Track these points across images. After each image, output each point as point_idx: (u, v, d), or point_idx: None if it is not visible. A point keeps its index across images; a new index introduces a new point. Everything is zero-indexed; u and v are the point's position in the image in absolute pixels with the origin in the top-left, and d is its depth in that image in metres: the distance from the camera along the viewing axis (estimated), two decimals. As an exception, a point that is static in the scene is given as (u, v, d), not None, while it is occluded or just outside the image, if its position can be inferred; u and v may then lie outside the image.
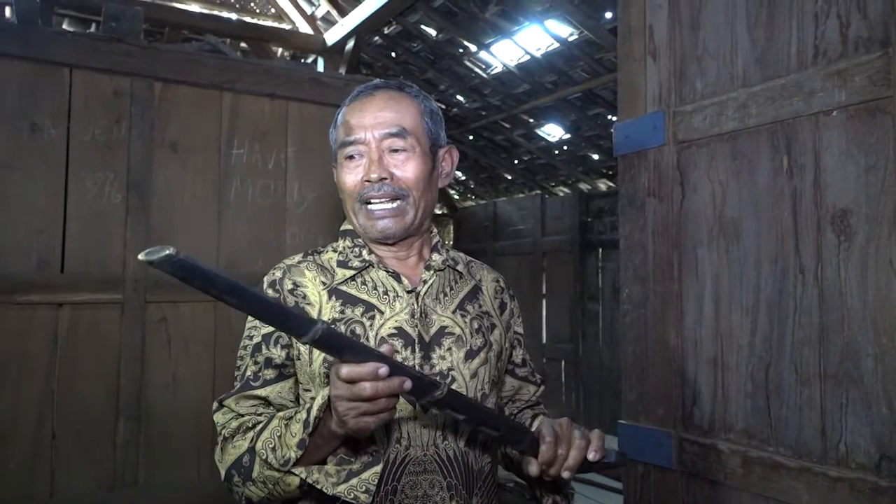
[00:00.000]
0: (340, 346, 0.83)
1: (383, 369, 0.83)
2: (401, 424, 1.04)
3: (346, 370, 0.84)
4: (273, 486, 0.98)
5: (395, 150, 1.09)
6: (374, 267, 1.12)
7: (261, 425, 1.01)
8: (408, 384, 0.85)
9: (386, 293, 1.09)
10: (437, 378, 1.06)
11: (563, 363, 6.60)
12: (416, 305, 1.09)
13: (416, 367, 1.06)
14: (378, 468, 0.96)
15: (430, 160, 1.14)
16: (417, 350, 1.06)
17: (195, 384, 2.79)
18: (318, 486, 0.94)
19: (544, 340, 6.81)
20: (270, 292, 1.09)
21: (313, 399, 0.96)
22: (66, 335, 2.58)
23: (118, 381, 2.66)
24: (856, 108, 1.28)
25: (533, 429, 1.14)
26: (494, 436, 1.02)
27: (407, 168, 1.09)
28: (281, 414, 1.00)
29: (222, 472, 1.03)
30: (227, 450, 1.03)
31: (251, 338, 1.09)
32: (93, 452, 2.60)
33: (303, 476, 0.94)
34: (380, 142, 1.08)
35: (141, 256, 0.69)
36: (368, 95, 1.12)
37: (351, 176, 1.11)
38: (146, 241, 2.74)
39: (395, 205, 1.10)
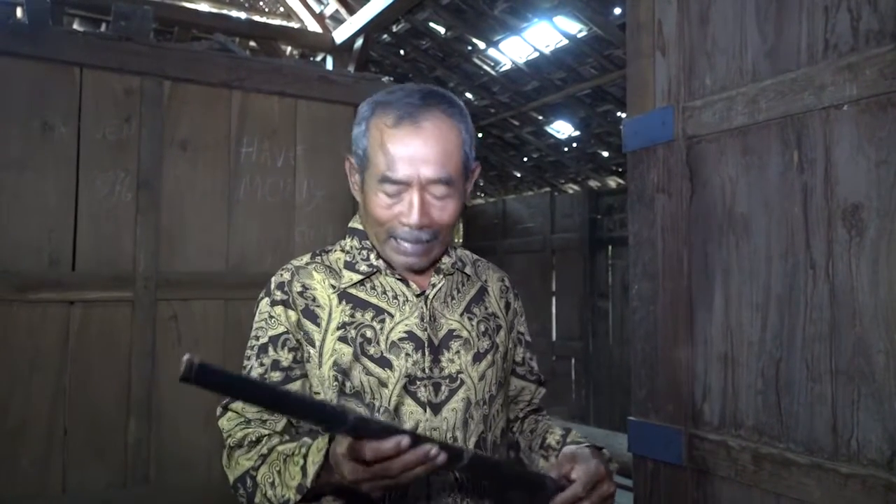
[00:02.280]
0: (372, 431, 0.82)
1: (405, 440, 0.79)
2: (411, 427, 1.03)
3: (370, 450, 0.81)
4: None
5: (438, 196, 1.04)
6: (381, 272, 1.11)
7: (261, 454, 1.01)
8: (437, 453, 0.82)
9: (395, 297, 1.09)
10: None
11: (573, 361, 6.59)
12: (424, 309, 1.09)
13: (426, 371, 1.06)
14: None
15: (464, 187, 1.10)
16: (427, 353, 1.06)
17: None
18: None
19: (554, 338, 6.80)
20: (279, 294, 1.08)
21: (309, 446, 0.95)
22: (78, 333, 2.60)
23: (129, 379, 2.67)
24: (867, 102, 1.26)
25: (546, 442, 1.15)
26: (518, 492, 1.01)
27: (446, 211, 1.05)
28: (280, 448, 0.99)
29: (230, 479, 1.04)
30: (233, 459, 1.03)
31: (258, 338, 1.08)
32: (104, 449, 2.62)
33: None
34: (425, 185, 1.02)
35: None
36: (415, 125, 1.01)
37: (386, 211, 1.03)
38: (156, 239, 2.76)
39: (425, 246, 1.06)
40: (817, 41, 1.36)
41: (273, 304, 1.08)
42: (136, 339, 2.69)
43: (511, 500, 1.08)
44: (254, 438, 1.02)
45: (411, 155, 1.01)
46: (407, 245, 1.05)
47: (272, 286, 1.11)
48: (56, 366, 2.56)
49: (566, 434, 1.19)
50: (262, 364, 1.06)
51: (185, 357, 0.66)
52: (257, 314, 1.11)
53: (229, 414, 1.07)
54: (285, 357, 1.05)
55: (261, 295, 1.12)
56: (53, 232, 2.59)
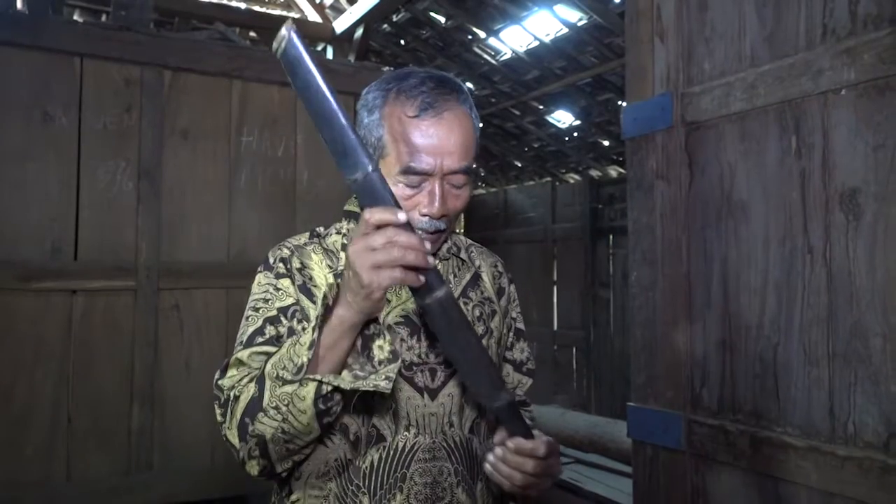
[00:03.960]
0: (378, 195, 0.84)
1: (402, 214, 0.83)
2: (409, 412, 1.04)
3: (379, 212, 0.83)
4: (287, 409, 0.91)
5: (457, 185, 1.05)
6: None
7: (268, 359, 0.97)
8: (426, 245, 0.84)
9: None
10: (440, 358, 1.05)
11: (574, 350, 6.60)
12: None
13: (422, 356, 1.06)
14: (397, 364, 0.91)
15: (474, 179, 1.12)
16: (423, 338, 1.06)
17: (208, 370, 2.81)
18: (335, 384, 0.89)
19: (556, 328, 6.82)
20: (282, 267, 1.07)
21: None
22: (81, 321, 2.61)
23: (132, 367, 2.69)
24: (864, 86, 1.27)
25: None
26: (468, 377, 0.98)
27: (460, 199, 1.06)
28: (290, 340, 0.96)
29: (235, 437, 0.96)
30: (236, 407, 0.97)
31: (258, 310, 1.05)
32: (108, 437, 2.64)
33: (317, 378, 0.89)
34: (445, 175, 1.02)
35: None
36: (437, 116, 1.02)
37: (406, 202, 1.03)
38: (158, 228, 2.77)
39: (441, 235, 1.08)
40: (816, 26, 1.36)
41: (278, 276, 1.07)
42: (139, 328, 2.71)
43: (466, 379, 1.03)
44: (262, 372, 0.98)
45: (434, 145, 1.01)
46: (425, 234, 1.05)
47: (273, 260, 1.09)
48: (59, 354, 2.58)
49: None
50: (276, 329, 1.03)
51: (285, 26, 0.81)
52: (256, 287, 1.08)
53: (231, 371, 1.02)
54: (297, 329, 1.03)
55: (260, 268, 1.10)
56: (55, 221, 2.60)
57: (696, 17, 1.63)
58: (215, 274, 2.87)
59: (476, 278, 1.20)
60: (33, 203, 2.57)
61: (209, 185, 2.90)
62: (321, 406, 0.91)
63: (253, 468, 0.97)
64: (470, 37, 6.91)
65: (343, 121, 0.83)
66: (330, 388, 0.90)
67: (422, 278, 0.85)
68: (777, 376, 1.45)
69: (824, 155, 1.34)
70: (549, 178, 9.05)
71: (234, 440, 0.96)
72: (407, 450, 1.03)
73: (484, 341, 1.13)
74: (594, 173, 8.78)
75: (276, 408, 0.91)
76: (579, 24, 6.04)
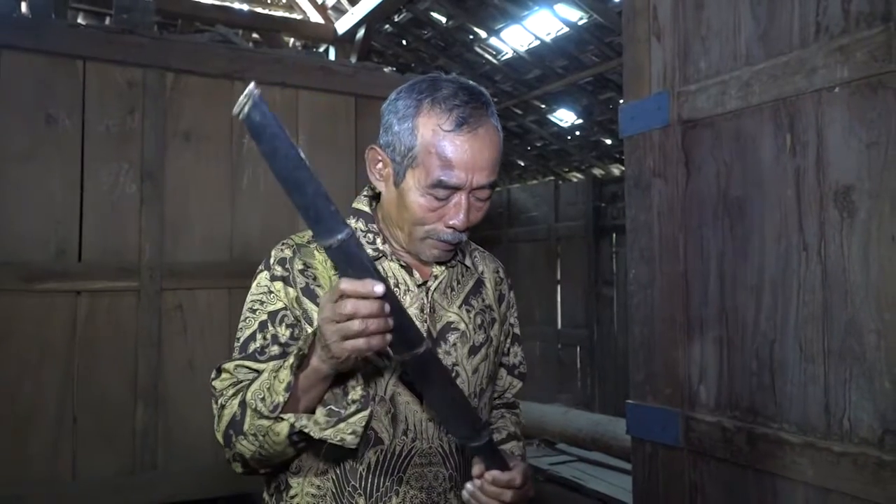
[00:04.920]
0: (353, 261, 0.82)
1: (379, 287, 0.81)
2: (407, 417, 1.05)
3: (346, 283, 0.82)
4: (263, 438, 0.96)
5: (481, 199, 1.06)
6: (386, 258, 1.11)
7: (251, 380, 1.01)
8: (389, 319, 0.84)
9: (397, 285, 1.09)
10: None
11: (578, 348, 6.60)
12: (425, 300, 1.10)
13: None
14: (366, 413, 0.95)
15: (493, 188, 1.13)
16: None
17: (211, 370, 2.84)
18: (306, 431, 0.93)
19: (559, 326, 6.82)
20: (279, 269, 1.08)
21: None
22: (85, 322, 2.64)
23: (136, 368, 2.71)
24: (857, 84, 1.27)
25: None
26: (449, 423, 1.01)
27: (482, 211, 1.08)
28: (270, 366, 0.99)
29: (221, 440, 1.02)
30: (223, 415, 1.02)
31: (254, 311, 1.07)
32: (113, 437, 2.66)
33: (290, 420, 0.93)
34: (473, 189, 1.03)
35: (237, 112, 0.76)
36: (473, 132, 1.01)
37: (432, 214, 1.04)
38: (161, 229, 2.79)
39: (460, 244, 1.10)
40: (809, 24, 1.37)
41: (273, 279, 1.08)
42: (142, 329, 2.73)
43: (446, 425, 1.06)
44: (244, 386, 1.03)
45: (467, 161, 1.01)
46: (446, 245, 1.07)
47: (272, 261, 1.10)
48: (64, 355, 2.60)
49: (507, 441, 1.24)
50: (264, 337, 1.06)
51: (250, 87, 0.75)
52: (255, 286, 1.10)
53: (223, 375, 1.07)
54: (283, 333, 1.05)
55: (260, 267, 1.11)
56: (59, 223, 2.62)
57: (692, 17, 1.64)
58: (218, 274, 2.89)
59: (479, 285, 1.20)
60: (37, 205, 2.59)
61: (211, 187, 2.92)
62: (295, 438, 0.96)
63: (237, 468, 1.05)
64: (471, 36, 6.92)
65: (315, 187, 0.80)
66: (301, 429, 0.94)
67: (389, 339, 0.86)
68: (773, 373, 1.46)
69: (818, 152, 1.35)
70: (552, 177, 9.06)
71: (221, 441, 1.03)
72: (404, 454, 1.04)
73: (483, 350, 1.14)
74: (597, 172, 8.78)
75: (255, 434, 0.97)
76: (580, 23, 6.04)
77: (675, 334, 1.68)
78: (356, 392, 0.96)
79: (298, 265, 1.09)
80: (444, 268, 1.14)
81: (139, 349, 2.72)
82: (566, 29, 6.19)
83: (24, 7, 3.47)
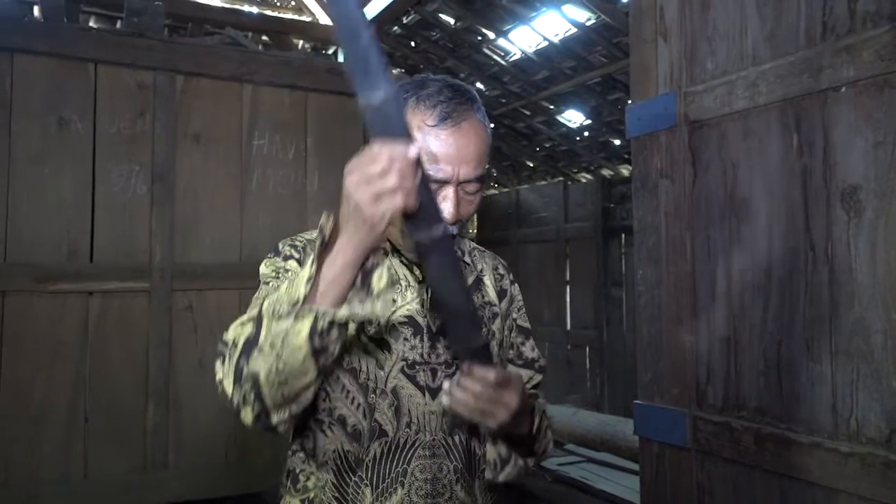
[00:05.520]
0: (392, 124, 0.81)
1: (413, 150, 0.81)
2: (410, 410, 1.06)
3: (381, 144, 0.81)
4: (281, 346, 0.88)
5: (470, 192, 1.06)
6: (388, 254, 1.12)
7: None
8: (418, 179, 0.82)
9: (399, 281, 1.10)
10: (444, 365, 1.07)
11: (587, 349, 6.59)
12: (425, 296, 1.11)
13: (424, 356, 1.08)
14: (394, 289, 0.90)
15: (484, 185, 1.13)
16: (426, 339, 1.09)
17: (221, 370, 2.86)
18: (329, 315, 0.87)
19: (569, 327, 6.81)
20: (292, 250, 1.10)
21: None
22: (97, 322, 2.66)
23: (147, 367, 2.74)
24: (864, 84, 1.27)
25: None
26: (449, 318, 0.96)
27: (472, 205, 1.08)
28: (288, 275, 0.95)
29: (231, 381, 0.93)
30: (235, 351, 0.94)
31: (267, 284, 1.07)
32: (124, 436, 2.69)
33: (312, 310, 0.87)
34: (461, 182, 1.04)
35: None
36: (457, 126, 1.03)
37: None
38: (171, 230, 2.81)
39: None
40: (816, 24, 1.37)
41: (286, 258, 1.09)
42: (153, 329, 2.75)
43: (449, 322, 1.01)
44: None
45: (452, 155, 1.03)
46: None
47: (282, 247, 1.11)
48: (76, 355, 2.63)
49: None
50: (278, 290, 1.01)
51: None
52: (264, 267, 1.10)
53: (235, 324, 0.99)
54: None
55: (269, 254, 1.12)
56: (71, 224, 2.65)
57: (698, 17, 1.65)
58: (228, 275, 2.91)
59: (478, 282, 1.22)
60: (50, 207, 2.62)
61: (221, 188, 2.94)
62: (316, 343, 0.88)
63: (247, 415, 0.94)
64: (479, 38, 6.93)
65: (371, 35, 0.78)
66: (326, 323, 0.87)
67: (417, 203, 0.83)
68: (780, 373, 1.46)
69: (825, 152, 1.35)
70: (560, 178, 9.04)
71: (230, 388, 0.94)
72: (408, 446, 1.06)
73: None
74: (606, 172, 8.76)
75: (272, 345, 0.89)
76: (588, 23, 6.04)
77: (683, 334, 1.68)
78: (382, 281, 0.90)
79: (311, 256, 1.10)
80: None
81: (150, 349, 2.75)
82: (574, 30, 6.19)
83: (36, 11, 3.51)
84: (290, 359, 0.89)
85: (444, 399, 0.97)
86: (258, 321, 0.92)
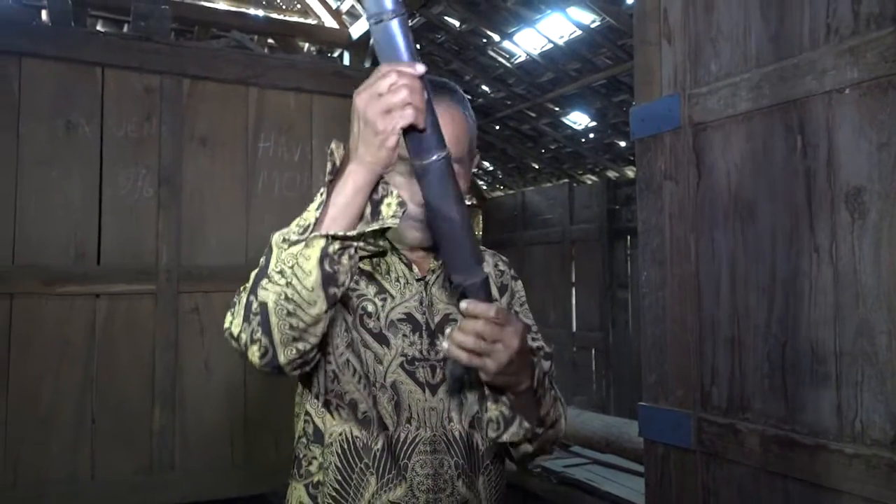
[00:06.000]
0: (396, 44, 0.83)
1: (421, 67, 0.82)
2: (410, 405, 1.07)
3: (390, 64, 0.82)
4: (291, 272, 0.87)
5: None
6: (387, 252, 1.14)
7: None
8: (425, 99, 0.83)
9: (398, 279, 1.12)
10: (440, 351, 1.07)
11: (593, 351, 6.58)
12: (424, 294, 1.12)
13: (424, 353, 1.09)
14: (404, 208, 0.90)
15: (469, 170, 1.13)
16: (424, 336, 1.10)
17: (227, 372, 2.88)
18: (340, 235, 0.86)
19: (574, 329, 6.80)
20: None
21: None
22: (104, 324, 2.68)
23: (153, 369, 2.76)
24: (868, 85, 1.27)
25: None
26: (448, 248, 0.93)
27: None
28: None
29: (240, 321, 0.92)
30: (245, 291, 0.94)
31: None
32: (131, 437, 2.70)
33: (324, 234, 0.86)
34: None
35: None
36: None
37: (402, 192, 1.01)
38: (177, 233, 2.83)
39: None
40: (819, 25, 1.37)
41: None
42: (160, 331, 2.77)
43: (448, 252, 0.97)
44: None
45: None
46: (421, 224, 1.08)
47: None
48: (83, 357, 2.64)
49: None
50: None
51: None
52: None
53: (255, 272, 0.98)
54: None
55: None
56: (79, 227, 2.67)
57: (702, 19, 1.65)
58: (234, 277, 2.90)
59: None
60: (57, 209, 2.64)
61: (227, 191, 2.96)
62: (327, 268, 0.87)
63: (254, 354, 0.92)
64: (484, 40, 6.94)
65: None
66: (336, 247, 0.87)
67: (426, 122, 0.84)
68: (785, 375, 1.45)
69: (829, 154, 1.35)
70: (566, 180, 9.03)
71: (237, 328, 0.93)
72: (408, 441, 1.07)
73: None
74: (611, 174, 8.75)
75: (281, 272, 0.88)
76: (593, 26, 6.04)
77: (687, 336, 1.68)
78: (391, 207, 0.90)
79: None
80: (440, 262, 1.15)
81: (157, 351, 2.76)
82: (579, 32, 6.19)
83: (44, 15, 3.54)
84: (300, 285, 0.87)
85: (445, 343, 0.94)
86: (268, 252, 0.92)
